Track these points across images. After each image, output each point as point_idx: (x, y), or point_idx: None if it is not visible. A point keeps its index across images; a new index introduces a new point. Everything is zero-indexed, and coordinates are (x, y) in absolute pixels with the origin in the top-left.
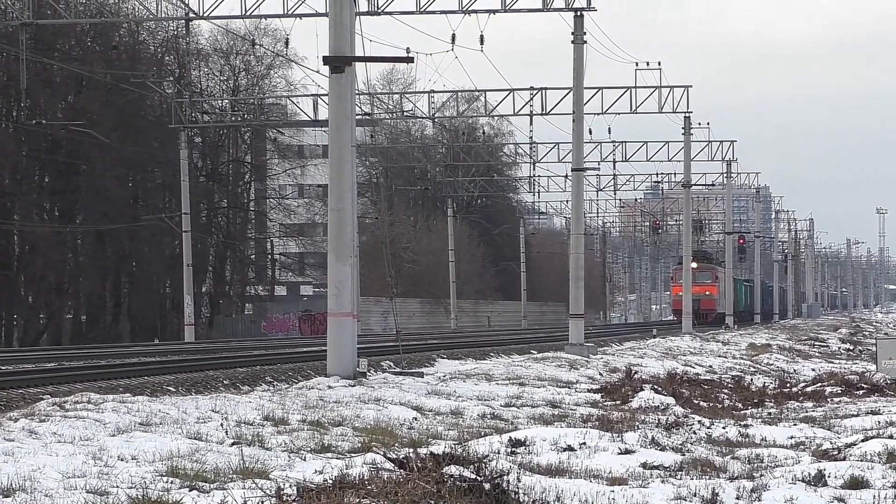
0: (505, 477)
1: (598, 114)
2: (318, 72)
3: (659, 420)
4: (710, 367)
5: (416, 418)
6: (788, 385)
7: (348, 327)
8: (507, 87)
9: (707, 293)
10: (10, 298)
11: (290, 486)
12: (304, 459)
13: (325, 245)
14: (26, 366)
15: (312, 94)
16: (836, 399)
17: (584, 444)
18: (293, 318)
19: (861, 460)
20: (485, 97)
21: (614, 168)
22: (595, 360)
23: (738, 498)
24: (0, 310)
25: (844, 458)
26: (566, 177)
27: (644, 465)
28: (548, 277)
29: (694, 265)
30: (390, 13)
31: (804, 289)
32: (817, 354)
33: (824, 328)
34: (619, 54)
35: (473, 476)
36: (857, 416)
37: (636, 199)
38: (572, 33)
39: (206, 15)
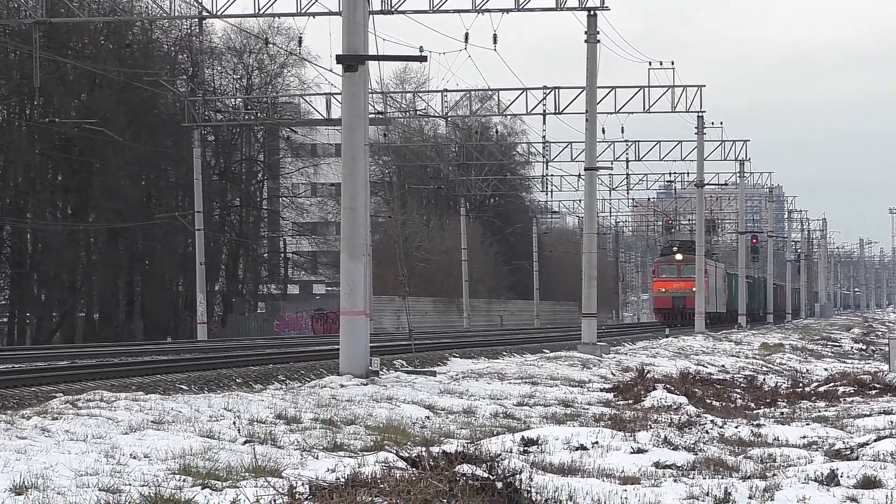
0: (517, 476)
1: (611, 113)
2: (331, 70)
3: (671, 419)
4: (723, 366)
5: (428, 417)
6: (801, 385)
7: (361, 326)
8: (520, 86)
9: (694, 289)
10: (24, 297)
11: (303, 484)
12: (317, 458)
13: (337, 244)
14: (39, 364)
15: (325, 93)
16: (848, 399)
17: (597, 443)
18: (306, 316)
19: (874, 460)
20: (498, 96)
21: (627, 167)
22: (608, 359)
23: (750, 497)
24: (13, 308)
25: (857, 458)
26: (579, 176)
27: (656, 465)
28: (560, 276)
29: (678, 257)
30: (403, 12)
31: (817, 289)
32: (830, 354)
33: (837, 328)
34: (633, 54)
35: (486, 475)
36: (870, 415)
37: (649, 199)
38: (585, 32)
39: (219, 13)
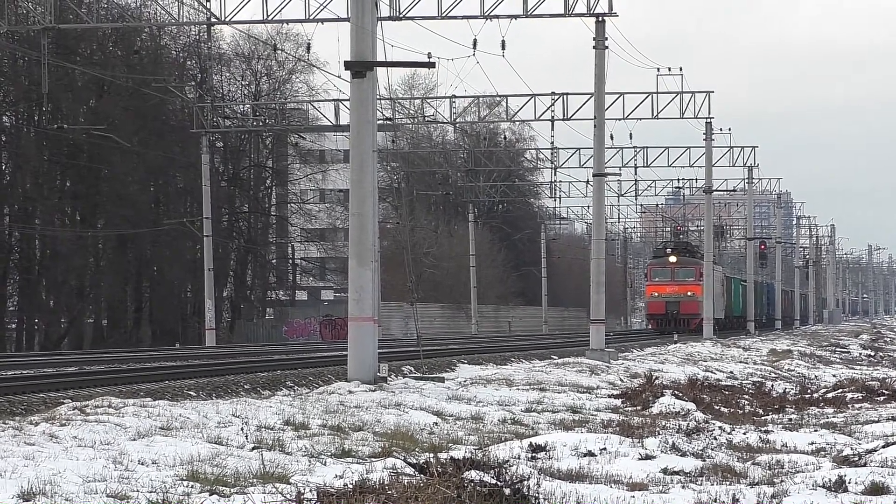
0: (525, 482)
1: (620, 119)
2: (339, 77)
3: (679, 426)
4: (731, 372)
5: (436, 423)
6: (809, 391)
7: (369, 332)
8: (528, 92)
9: (689, 293)
10: (32, 303)
11: (311, 490)
12: (325, 464)
13: (346, 250)
14: (47, 370)
15: (334, 99)
16: (856, 405)
17: (605, 449)
18: (314, 322)
19: (882, 466)
20: (506, 102)
21: (635, 173)
22: (616, 365)
23: (758, 503)
24: (22, 314)
25: (865, 464)
26: (587, 182)
27: (664, 471)
28: (569, 283)
29: (672, 259)
30: (412, 18)
31: (825, 294)
32: (838, 360)
33: (845, 334)
34: (641, 60)
35: (494, 481)
36: (878, 422)
37: (657, 205)
38: (594, 39)
39: (227, 19)
